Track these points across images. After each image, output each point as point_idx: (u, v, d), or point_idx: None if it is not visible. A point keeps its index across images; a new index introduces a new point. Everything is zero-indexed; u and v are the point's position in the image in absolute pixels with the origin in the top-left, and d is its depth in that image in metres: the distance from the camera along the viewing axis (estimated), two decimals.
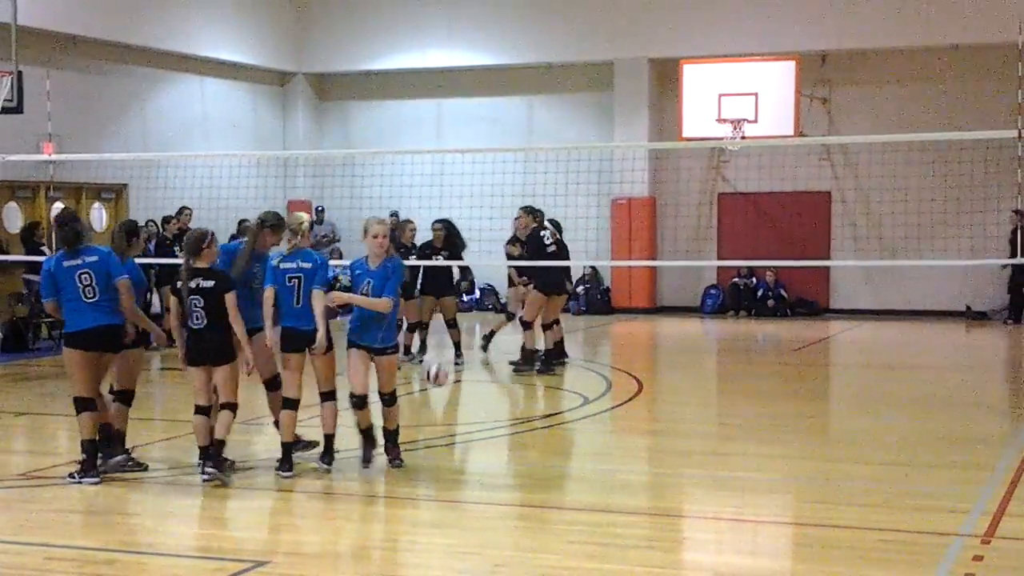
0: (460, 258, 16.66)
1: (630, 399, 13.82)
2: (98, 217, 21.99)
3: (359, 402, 9.69)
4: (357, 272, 9.64)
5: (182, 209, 20.12)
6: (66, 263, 9.47)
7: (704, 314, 24.74)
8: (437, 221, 16.72)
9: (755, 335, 21.76)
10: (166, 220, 20.14)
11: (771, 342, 21.02)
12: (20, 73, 17.50)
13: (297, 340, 9.53)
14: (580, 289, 24.97)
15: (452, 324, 16.43)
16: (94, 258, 9.51)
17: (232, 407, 9.42)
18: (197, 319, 9.33)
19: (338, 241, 26.08)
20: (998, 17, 21.38)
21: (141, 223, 20.26)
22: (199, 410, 9.45)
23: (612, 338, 21.66)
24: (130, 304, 9.56)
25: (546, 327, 16.01)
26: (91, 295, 9.40)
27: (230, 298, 9.33)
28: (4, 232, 20.17)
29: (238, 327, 9.36)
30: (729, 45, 22.91)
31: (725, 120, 18.70)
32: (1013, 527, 7.94)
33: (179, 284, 9.45)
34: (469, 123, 26.18)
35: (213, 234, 9.59)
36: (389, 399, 9.75)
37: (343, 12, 26.45)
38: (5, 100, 17.32)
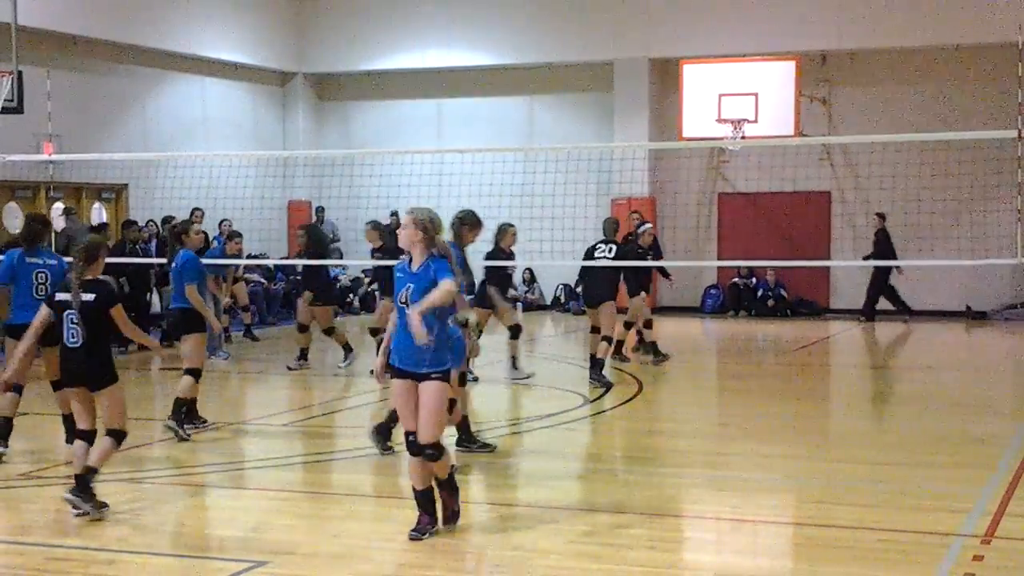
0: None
1: (630, 399, 13.81)
2: (98, 217, 21.98)
3: (415, 447, 7.75)
4: (398, 275, 7.87)
5: (193, 211, 20.08)
6: (28, 259, 10.43)
7: (704, 314, 24.74)
8: (300, 227, 17.07)
9: (755, 335, 21.75)
10: (166, 220, 20.12)
11: (771, 342, 21.01)
12: (20, 73, 17.48)
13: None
14: (580, 289, 24.95)
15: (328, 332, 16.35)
16: (53, 261, 10.55)
17: (119, 435, 8.55)
18: (73, 336, 8.37)
19: (338, 241, 26.08)
20: (998, 17, 21.38)
21: (141, 223, 20.37)
22: (81, 434, 8.61)
23: None
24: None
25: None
26: (42, 293, 10.15)
27: (117, 312, 8.39)
28: (6, 233, 20.17)
29: (136, 337, 8.81)
30: (729, 45, 22.91)
31: (725, 120, 18.69)
32: (1013, 527, 7.94)
33: (58, 296, 8.49)
34: (469, 123, 26.18)
35: (107, 244, 8.82)
36: (432, 452, 7.69)
37: (343, 12, 26.45)
38: (5, 100, 17.31)
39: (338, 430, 12.19)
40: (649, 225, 17.26)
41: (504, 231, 14.62)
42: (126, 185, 22.25)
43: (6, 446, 10.38)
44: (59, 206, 20.45)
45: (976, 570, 7.03)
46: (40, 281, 10.36)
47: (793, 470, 10.00)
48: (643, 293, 16.74)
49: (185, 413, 11.46)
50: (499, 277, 14.57)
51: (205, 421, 11.75)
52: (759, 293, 24.46)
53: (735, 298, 24.64)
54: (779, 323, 23.17)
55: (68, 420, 10.35)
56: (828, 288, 24.61)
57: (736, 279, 24.67)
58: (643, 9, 24.41)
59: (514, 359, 15.09)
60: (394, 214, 24.72)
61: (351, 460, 10.39)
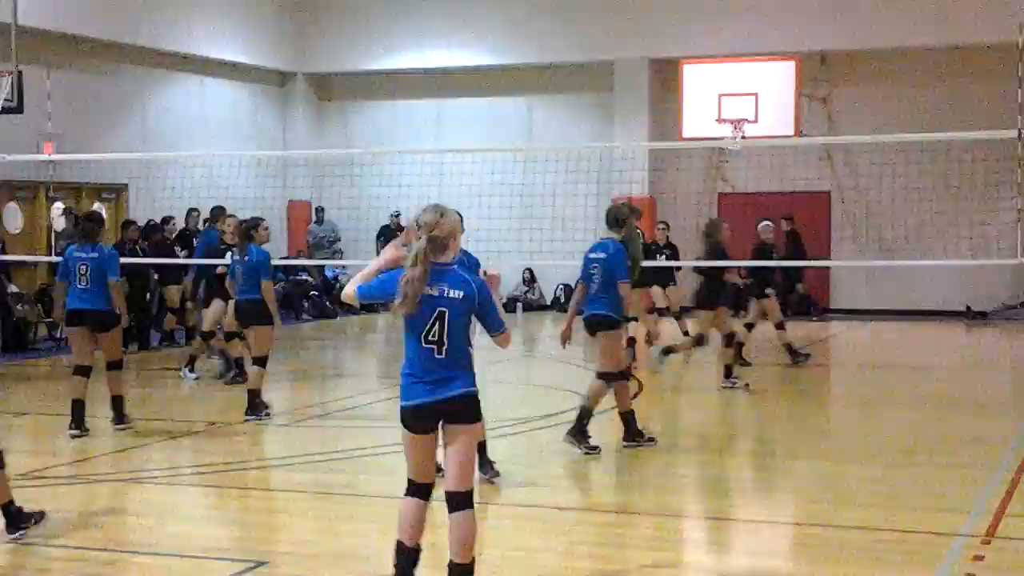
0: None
1: (630, 399, 13.77)
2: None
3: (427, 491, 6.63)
4: None
5: (190, 211, 20.10)
6: (75, 254, 11.40)
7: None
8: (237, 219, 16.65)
9: (755, 335, 21.70)
10: (165, 220, 20.14)
11: (771, 342, 20.97)
12: (20, 73, 17.49)
13: None
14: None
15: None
16: (94, 255, 11.31)
17: None
18: None
19: (338, 241, 26.09)
20: (998, 17, 21.37)
21: (141, 223, 20.36)
22: None
23: None
24: (120, 301, 11.38)
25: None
26: (83, 284, 11.22)
27: None
28: (4, 232, 20.16)
29: None
30: (729, 45, 22.91)
31: (725, 120, 18.70)
32: (1013, 527, 7.93)
33: None
34: (469, 123, 26.17)
35: None
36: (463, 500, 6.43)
37: (343, 12, 26.45)
38: (5, 100, 17.32)
39: (338, 430, 12.18)
40: (768, 222, 17.15)
41: (720, 225, 15.01)
42: (126, 185, 22.24)
43: None
44: (59, 206, 20.45)
45: (976, 570, 7.03)
46: (81, 272, 11.27)
47: (793, 470, 9.99)
48: (772, 292, 16.73)
49: (249, 402, 12.11)
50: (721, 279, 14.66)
51: (268, 411, 12.25)
52: None
53: (735, 298, 24.58)
54: None
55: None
56: (828, 288, 24.61)
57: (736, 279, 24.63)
58: (643, 9, 24.40)
59: (727, 368, 14.57)
60: (397, 215, 24.73)
61: (351, 460, 10.38)
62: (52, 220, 20.53)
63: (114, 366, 11.46)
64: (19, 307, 18.79)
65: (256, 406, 12.19)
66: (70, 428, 11.12)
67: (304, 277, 24.44)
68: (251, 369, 12.33)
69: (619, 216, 10.85)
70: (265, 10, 25.91)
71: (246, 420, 12.03)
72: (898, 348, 19.77)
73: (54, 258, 18.94)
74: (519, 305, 25.78)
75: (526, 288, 26.00)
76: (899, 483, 9.36)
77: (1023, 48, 14.21)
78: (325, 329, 22.95)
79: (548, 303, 26.03)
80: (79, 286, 11.25)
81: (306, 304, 24.13)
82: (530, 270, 25.78)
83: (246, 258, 12.27)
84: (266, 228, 12.53)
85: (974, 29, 22.27)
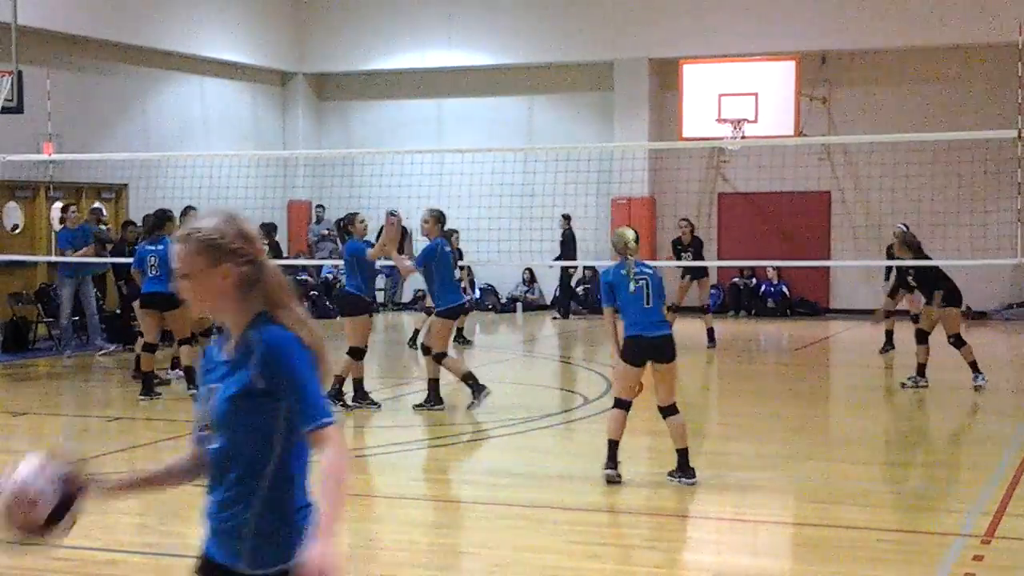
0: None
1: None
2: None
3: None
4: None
5: (187, 209, 20.07)
6: (147, 248, 13.48)
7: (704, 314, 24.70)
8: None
9: (755, 335, 21.75)
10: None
11: (771, 342, 21.01)
12: (20, 73, 17.48)
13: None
14: (580, 289, 24.97)
15: None
16: (160, 247, 13.01)
17: None
18: None
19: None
20: (998, 17, 21.38)
21: (140, 223, 20.32)
22: None
23: None
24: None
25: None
26: (154, 272, 13.17)
27: None
28: (5, 232, 20.17)
29: None
30: (729, 45, 22.90)
31: (725, 120, 18.69)
32: (1013, 527, 7.93)
33: None
34: (469, 123, 26.17)
35: None
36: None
37: (343, 12, 26.46)
38: (5, 100, 17.31)
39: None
40: (901, 228, 16.92)
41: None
42: (126, 185, 22.24)
43: None
44: (59, 206, 20.44)
45: (976, 570, 7.03)
46: (152, 263, 13.24)
47: (793, 470, 9.99)
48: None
49: (355, 391, 12.55)
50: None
51: (376, 403, 12.66)
52: (761, 291, 24.46)
53: (735, 298, 24.64)
54: (779, 323, 23.17)
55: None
56: (828, 288, 24.61)
57: (736, 279, 24.67)
58: (643, 9, 24.40)
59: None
60: (393, 213, 24.68)
61: (351, 460, 10.38)
62: (52, 220, 20.52)
63: (184, 342, 13.41)
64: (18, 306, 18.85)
65: (335, 393, 12.41)
66: (140, 395, 13.23)
67: (304, 277, 24.44)
68: (343, 358, 12.49)
69: None
70: (265, 10, 25.91)
71: (351, 408, 12.44)
72: (898, 348, 19.76)
73: (54, 258, 18.98)
74: (519, 305, 25.78)
75: (526, 288, 25.99)
76: (899, 483, 9.36)
77: (1023, 48, 14.21)
78: (325, 329, 22.95)
79: (548, 303, 26.02)
80: (151, 275, 13.22)
81: (306, 304, 24.13)
82: (530, 270, 25.77)
83: (344, 252, 12.79)
84: (362, 221, 12.85)
85: (974, 29, 22.27)
